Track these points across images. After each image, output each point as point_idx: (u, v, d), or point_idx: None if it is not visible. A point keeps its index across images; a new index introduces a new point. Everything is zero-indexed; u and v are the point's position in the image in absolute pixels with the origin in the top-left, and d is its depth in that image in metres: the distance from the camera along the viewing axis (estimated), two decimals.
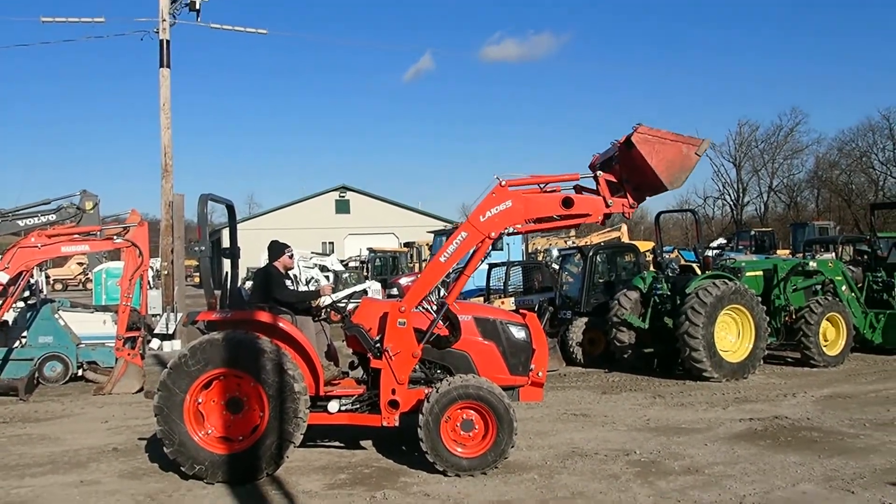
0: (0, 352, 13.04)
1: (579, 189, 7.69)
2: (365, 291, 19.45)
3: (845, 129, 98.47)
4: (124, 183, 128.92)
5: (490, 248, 7.56)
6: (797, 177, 68.21)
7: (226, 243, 8.83)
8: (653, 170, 7.22)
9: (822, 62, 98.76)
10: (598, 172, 7.55)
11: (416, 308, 7.51)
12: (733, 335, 12.56)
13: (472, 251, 7.59)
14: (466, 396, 7.13)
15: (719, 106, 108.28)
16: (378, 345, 7.50)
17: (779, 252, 34.62)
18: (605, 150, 7.89)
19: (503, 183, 7.48)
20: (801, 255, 20.20)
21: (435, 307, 7.63)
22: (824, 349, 13.30)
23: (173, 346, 17.48)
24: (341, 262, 36.41)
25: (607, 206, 7.51)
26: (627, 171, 7.48)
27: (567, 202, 7.49)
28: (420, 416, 7.12)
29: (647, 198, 7.67)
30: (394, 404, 7.42)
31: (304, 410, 7.11)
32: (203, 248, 7.60)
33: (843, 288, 14.26)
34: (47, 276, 30.70)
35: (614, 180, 7.55)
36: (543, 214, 7.58)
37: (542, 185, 7.62)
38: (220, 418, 7.21)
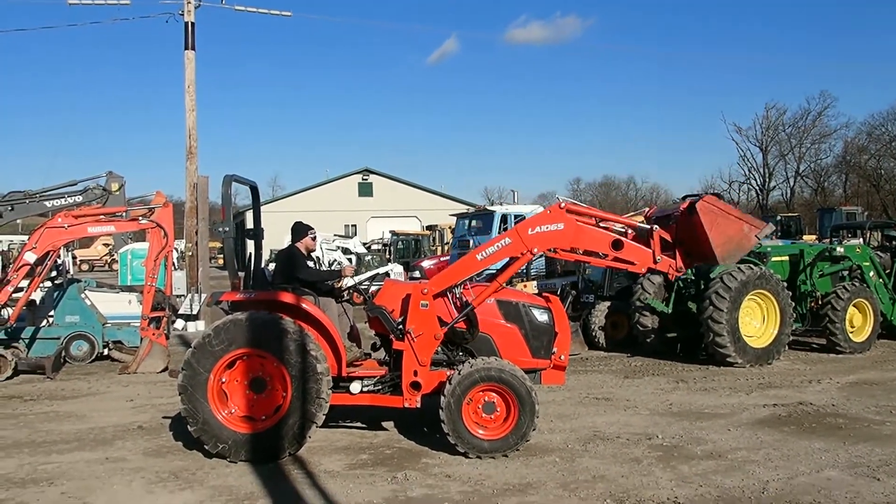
0: (28, 331, 13.23)
1: (635, 233, 7.65)
2: (387, 274, 19.48)
3: (875, 112, 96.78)
4: (149, 166, 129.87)
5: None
6: (825, 161, 67.50)
7: (249, 225, 8.87)
8: (710, 241, 7.19)
9: (853, 45, 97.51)
10: (655, 227, 7.54)
11: (440, 295, 7.53)
12: (758, 320, 12.45)
13: (509, 260, 7.63)
14: (489, 379, 7.13)
15: (747, 89, 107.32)
16: (400, 326, 7.52)
17: (805, 237, 34.25)
18: (666, 206, 7.89)
19: (562, 205, 7.54)
20: (828, 240, 19.97)
21: (459, 303, 7.63)
22: (850, 335, 13.14)
23: (197, 327, 17.62)
24: (364, 244, 36.48)
25: (655, 261, 7.55)
26: (684, 234, 7.49)
27: (617, 244, 7.53)
28: (442, 397, 7.13)
29: (691, 266, 7.64)
30: (416, 386, 7.44)
31: (327, 391, 7.14)
32: (227, 228, 7.61)
33: (871, 274, 14.07)
34: (74, 257, 31.05)
35: (668, 239, 7.55)
36: (590, 248, 7.63)
37: (598, 220, 7.64)
38: (243, 398, 7.27)
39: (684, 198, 7.39)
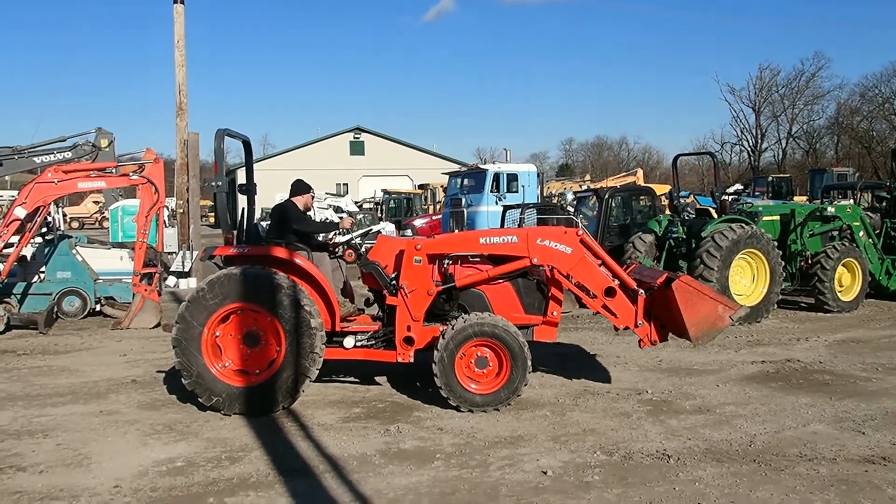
0: (19, 286, 13.21)
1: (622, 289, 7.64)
2: (379, 232, 19.49)
3: (868, 74, 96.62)
4: (139, 123, 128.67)
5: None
6: (817, 123, 67.35)
7: (241, 181, 8.82)
8: (683, 320, 7.18)
9: (848, 5, 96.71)
10: (641, 291, 7.54)
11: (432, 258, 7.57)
12: (748, 279, 12.54)
13: (508, 259, 7.62)
14: (482, 334, 7.18)
15: (740, 50, 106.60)
16: (394, 282, 7.55)
17: (796, 198, 34.32)
18: (643, 269, 7.95)
19: (580, 232, 7.58)
20: (818, 201, 20.03)
21: (444, 275, 7.65)
22: (839, 295, 13.25)
23: (189, 284, 17.59)
24: (356, 203, 36.43)
25: (636, 325, 7.53)
26: (659, 308, 7.47)
27: (610, 291, 7.51)
28: (435, 352, 7.18)
29: (665, 340, 7.64)
30: (409, 341, 7.49)
31: (321, 346, 7.18)
32: (220, 183, 7.57)
33: (861, 234, 14.14)
34: (64, 214, 30.85)
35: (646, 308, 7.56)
36: (584, 283, 7.59)
37: (601, 262, 7.66)
38: (237, 352, 7.31)
39: (666, 281, 7.38)
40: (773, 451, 6.03)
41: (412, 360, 7.55)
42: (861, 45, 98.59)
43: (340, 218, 25.15)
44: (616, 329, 7.85)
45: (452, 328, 7.21)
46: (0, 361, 9.98)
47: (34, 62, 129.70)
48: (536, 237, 7.55)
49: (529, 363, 7.25)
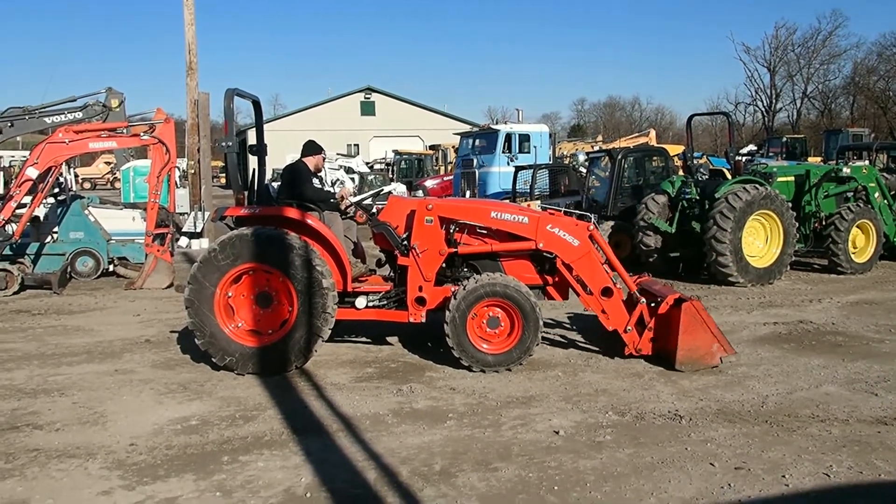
0: (32, 247, 13.29)
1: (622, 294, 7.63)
2: (390, 193, 19.45)
3: (887, 32, 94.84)
4: (149, 83, 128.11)
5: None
6: (833, 83, 66.32)
7: (252, 141, 8.77)
8: (677, 341, 7.10)
9: None
10: (642, 300, 7.48)
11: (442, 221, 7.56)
12: (761, 241, 12.45)
13: (514, 237, 7.60)
14: (493, 294, 7.18)
15: (757, 8, 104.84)
16: (405, 242, 7.54)
17: (810, 159, 33.96)
18: (652, 282, 7.99)
19: (591, 227, 7.58)
20: (833, 162, 19.81)
21: (449, 240, 7.64)
22: (853, 256, 13.17)
23: (201, 245, 17.63)
24: (367, 164, 36.30)
25: (625, 330, 7.46)
26: (657, 323, 7.41)
27: (607, 291, 7.48)
28: (447, 311, 7.19)
29: (650, 354, 7.53)
30: (420, 301, 7.50)
31: (333, 306, 7.19)
32: (230, 143, 7.52)
33: (876, 195, 13.98)
34: (76, 175, 30.89)
35: (646, 318, 7.49)
36: (584, 278, 7.55)
37: (605, 260, 7.62)
38: (249, 312, 7.34)
39: (677, 301, 7.30)
40: (785, 412, 6.03)
41: (424, 319, 7.57)
42: (879, 3, 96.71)
43: (352, 179, 25.01)
44: (605, 329, 7.74)
45: (464, 288, 7.21)
46: (15, 321, 10.06)
47: (43, 25, 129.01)
48: (547, 223, 7.53)
49: (541, 323, 7.25)
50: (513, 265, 7.73)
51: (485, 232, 7.71)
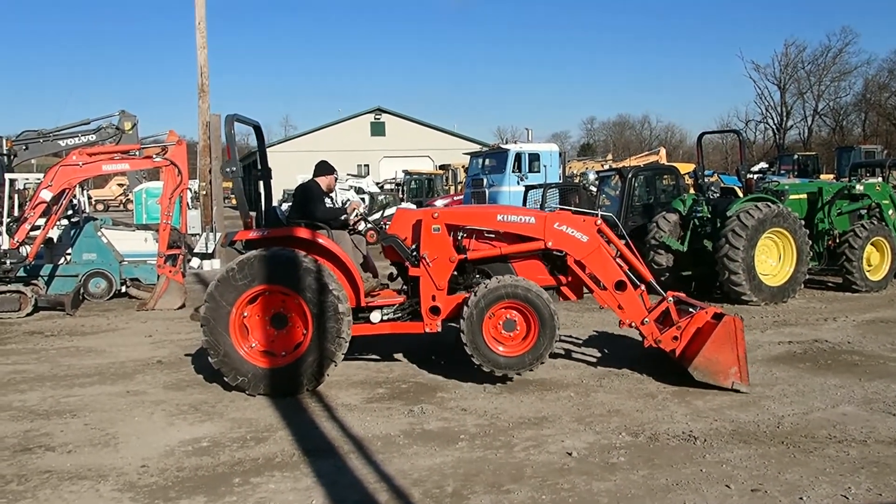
0: (46, 268, 13.35)
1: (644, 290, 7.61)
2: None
3: None
4: (162, 106, 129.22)
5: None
6: (844, 100, 66.15)
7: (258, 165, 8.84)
8: (700, 349, 7.06)
9: None
10: (670, 298, 7.50)
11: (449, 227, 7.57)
12: (774, 259, 12.38)
13: (522, 239, 7.62)
14: (514, 296, 7.18)
15: (766, 26, 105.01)
16: (415, 253, 7.55)
17: (822, 177, 33.83)
18: (691, 300, 7.94)
19: (598, 223, 7.59)
20: (846, 179, 19.72)
21: (457, 246, 7.64)
22: (867, 274, 13.07)
23: (213, 265, 17.75)
24: (377, 184, 36.39)
25: (642, 322, 7.44)
26: (687, 324, 7.37)
27: (621, 285, 7.45)
28: (465, 308, 7.20)
29: (667, 350, 7.51)
30: (435, 310, 7.49)
31: (347, 331, 7.18)
32: (234, 168, 7.62)
33: (890, 212, 13.89)
34: (89, 197, 31.11)
35: (674, 317, 7.50)
36: (597, 273, 7.53)
37: (616, 254, 7.61)
38: (263, 333, 7.34)
39: (717, 315, 7.32)
40: (801, 433, 5.96)
41: (440, 329, 7.56)
42: (890, 20, 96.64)
43: (362, 199, 25.10)
44: (620, 324, 7.69)
45: (485, 286, 7.21)
46: (28, 342, 10.10)
47: (58, 50, 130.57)
48: (554, 221, 7.53)
49: (558, 332, 7.24)
50: (524, 266, 7.73)
51: (493, 236, 7.73)
